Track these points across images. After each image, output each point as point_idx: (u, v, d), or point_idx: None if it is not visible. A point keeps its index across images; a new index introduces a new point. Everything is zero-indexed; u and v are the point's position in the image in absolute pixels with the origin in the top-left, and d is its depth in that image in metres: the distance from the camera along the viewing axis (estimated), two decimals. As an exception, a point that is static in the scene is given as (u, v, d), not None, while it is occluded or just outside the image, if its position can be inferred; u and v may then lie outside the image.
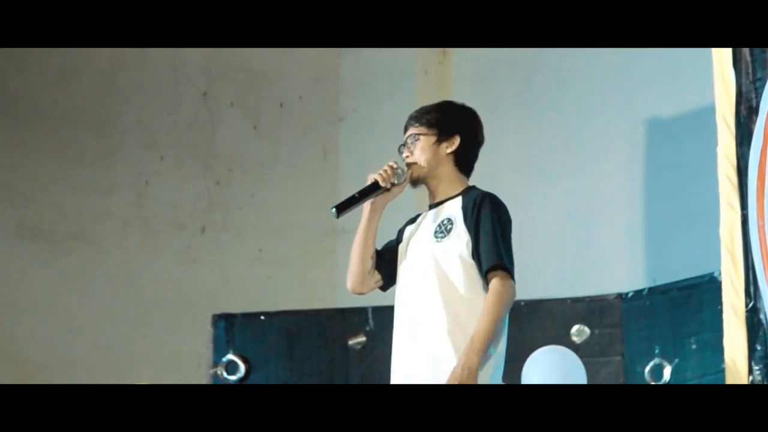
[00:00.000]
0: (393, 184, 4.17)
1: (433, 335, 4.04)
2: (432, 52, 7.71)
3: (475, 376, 3.89)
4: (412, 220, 4.29)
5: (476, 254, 4.04)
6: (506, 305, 4.00)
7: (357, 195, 4.16)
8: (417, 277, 4.12)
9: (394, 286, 4.25)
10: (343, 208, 4.13)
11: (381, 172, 4.16)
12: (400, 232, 4.30)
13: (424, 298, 4.08)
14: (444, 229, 4.12)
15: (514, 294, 4.03)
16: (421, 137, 4.21)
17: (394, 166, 4.18)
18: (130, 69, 7.48)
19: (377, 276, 4.24)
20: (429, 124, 4.23)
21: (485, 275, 4.02)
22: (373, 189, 4.16)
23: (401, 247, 4.24)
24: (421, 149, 4.21)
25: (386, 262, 4.23)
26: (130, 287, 7.32)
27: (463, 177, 4.25)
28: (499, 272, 4.01)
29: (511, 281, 4.02)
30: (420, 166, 4.20)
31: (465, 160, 4.25)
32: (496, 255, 4.01)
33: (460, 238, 4.09)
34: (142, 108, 7.52)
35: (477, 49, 6.80)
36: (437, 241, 4.10)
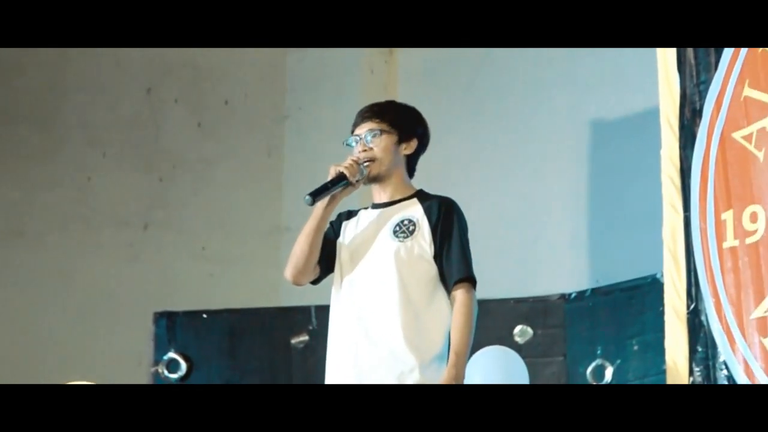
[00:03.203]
0: (357, 180, 4.16)
1: (391, 333, 4.04)
2: (378, 52, 7.70)
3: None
4: (348, 216, 4.27)
5: (442, 261, 4.11)
6: (475, 316, 4.10)
7: (329, 185, 4.13)
8: (374, 275, 4.12)
9: (326, 279, 4.26)
10: (317, 195, 4.11)
11: (347, 165, 4.14)
12: (335, 225, 4.28)
13: (382, 296, 4.08)
14: (406, 230, 4.13)
15: (475, 302, 4.13)
16: (384, 134, 4.20)
17: (358, 161, 4.16)
18: (73, 65, 7.42)
19: (317, 268, 4.23)
20: (392, 123, 4.22)
21: (453, 284, 4.10)
22: (341, 181, 4.14)
23: (343, 242, 4.23)
24: (384, 147, 4.20)
25: (326, 255, 4.22)
26: (71, 284, 7.25)
27: (409, 179, 4.27)
28: (467, 284, 4.10)
29: (474, 291, 4.12)
30: (380, 163, 4.19)
31: (414, 164, 4.28)
32: (465, 267, 4.10)
33: (425, 239, 4.12)
34: (84, 104, 7.46)
35: (423, 48, 6.79)
36: (399, 241, 4.12)
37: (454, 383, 3.96)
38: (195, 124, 7.69)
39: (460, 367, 4.01)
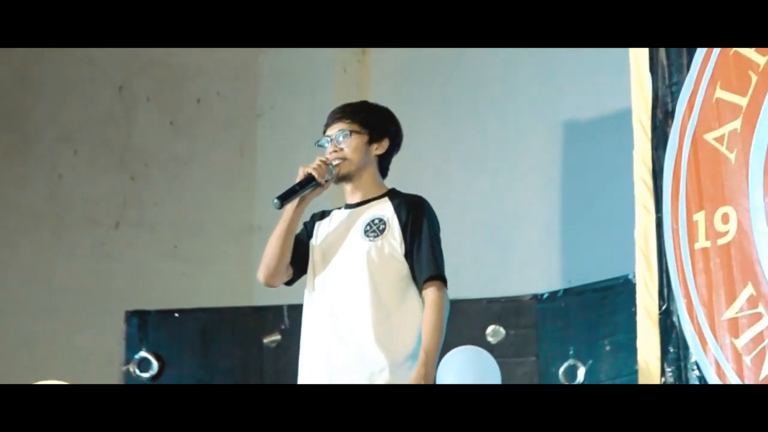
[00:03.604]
0: (326, 180, 4.16)
1: (362, 333, 4.05)
2: (351, 51, 7.70)
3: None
4: (321, 216, 4.27)
5: (413, 259, 4.11)
6: (446, 314, 4.13)
7: (297, 187, 4.13)
8: (345, 275, 4.12)
9: (299, 281, 4.26)
10: (285, 198, 4.10)
11: (315, 166, 4.14)
12: (308, 226, 4.28)
13: (353, 296, 4.08)
14: (376, 229, 4.14)
15: (447, 300, 4.15)
16: (354, 134, 4.21)
17: (326, 161, 4.16)
18: (45, 61, 7.38)
19: (290, 270, 4.23)
20: (363, 123, 4.23)
21: (423, 282, 4.11)
22: (309, 182, 4.13)
23: (315, 243, 4.23)
24: (354, 147, 4.21)
25: (298, 257, 4.22)
26: (43, 282, 7.21)
27: (381, 179, 4.27)
28: (437, 282, 4.11)
29: (446, 289, 4.14)
30: (350, 163, 4.20)
31: (387, 164, 4.29)
32: (435, 265, 4.11)
33: (395, 238, 4.14)
34: (56, 101, 7.41)
35: (396, 48, 6.79)
36: (370, 240, 4.13)
37: (423, 382, 3.95)
38: (167, 122, 7.66)
39: (430, 366, 4.02)
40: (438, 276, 4.11)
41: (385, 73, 7.63)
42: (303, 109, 7.50)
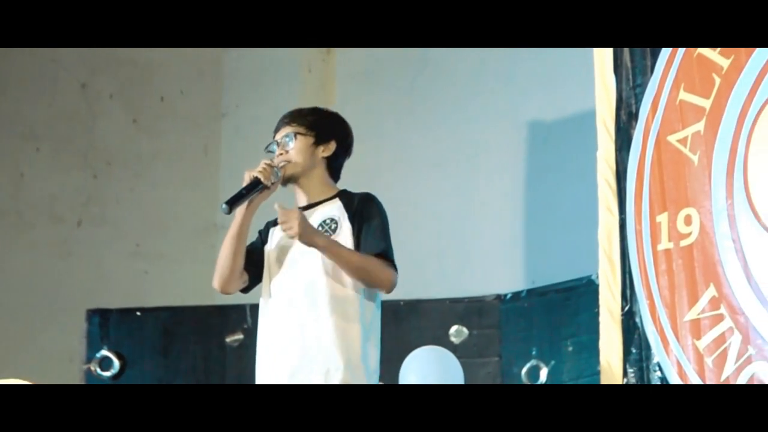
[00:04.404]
0: (273, 183, 4.17)
1: (319, 333, 4.05)
2: (316, 51, 7.69)
3: (298, 232, 3.98)
4: (275, 222, 4.28)
5: (359, 239, 4.10)
6: (376, 274, 4.07)
7: (244, 191, 4.14)
8: (300, 276, 4.12)
9: (256, 287, 4.27)
10: (233, 203, 4.11)
11: (260, 170, 4.15)
12: (263, 233, 4.30)
13: (309, 296, 4.08)
14: (329, 229, 4.15)
15: (393, 280, 4.11)
16: (299, 137, 4.24)
17: (272, 164, 4.18)
18: (7, 57, 7.32)
19: (245, 276, 4.24)
20: (309, 126, 4.26)
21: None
22: (256, 185, 4.14)
23: (270, 248, 4.23)
24: (299, 149, 4.24)
25: (253, 263, 4.24)
26: (3, 280, 7.16)
27: (332, 182, 4.28)
28: (384, 259, 4.10)
29: (393, 270, 4.10)
30: (295, 165, 4.22)
31: (336, 167, 4.32)
32: (377, 245, 4.09)
33: (347, 236, 4.14)
34: (18, 98, 7.36)
35: (362, 48, 6.78)
36: None
37: (299, 221, 3.94)
38: (130, 120, 7.63)
39: (313, 234, 4.00)
40: (382, 255, 4.09)
41: (350, 72, 7.63)
42: (268, 108, 7.46)
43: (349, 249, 4.08)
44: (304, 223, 4.01)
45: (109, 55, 7.50)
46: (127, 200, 7.51)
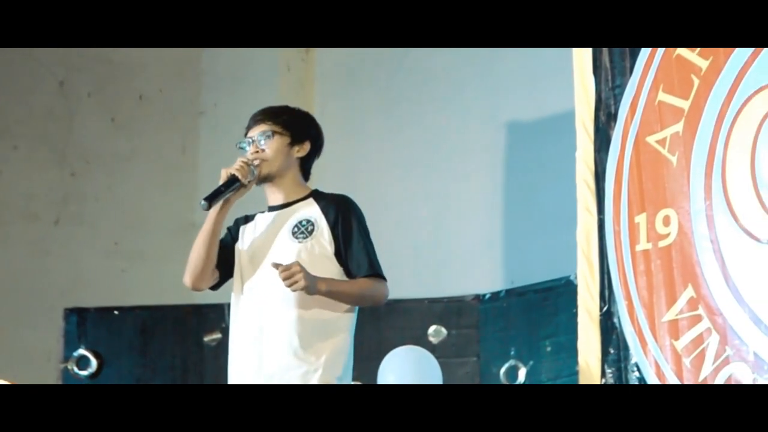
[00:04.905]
0: (249, 181, 4.16)
1: (296, 334, 4.04)
2: (295, 50, 7.67)
3: (306, 285, 3.95)
4: (246, 220, 4.27)
5: (347, 258, 4.13)
6: (373, 296, 4.15)
7: (222, 188, 4.13)
8: (275, 277, 4.10)
9: (226, 284, 4.27)
10: (212, 200, 4.10)
11: (238, 167, 4.14)
12: (233, 230, 4.29)
13: (285, 297, 4.07)
14: (305, 230, 4.14)
15: (387, 294, 4.19)
16: (276, 136, 4.22)
17: (248, 162, 4.16)
18: (-16, 55, 7.31)
19: (216, 273, 4.23)
20: (285, 125, 4.25)
21: (363, 278, 4.13)
22: (233, 183, 4.14)
23: (242, 247, 4.22)
24: (276, 148, 4.22)
25: (224, 261, 4.23)
26: (-20, 279, 7.14)
27: (304, 181, 4.28)
28: (377, 278, 4.14)
29: (385, 283, 4.16)
30: (271, 164, 4.21)
31: (308, 167, 4.31)
32: (371, 263, 4.12)
33: (324, 238, 4.13)
34: (-5, 95, 7.35)
35: (341, 47, 6.78)
36: (299, 242, 4.12)
37: (304, 282, 3.93)
38: (108, 118, 7.60)
39: (321, 282, 4.00)
40: (375, 274, 4.13)
41: (329, 72, 7.62)
42: (246, 107, 7.36)
43: (346, 282, 4.10)
44: (308, 275, 3.99)
45: (87, 53, 7.47)
46: (104, 199, 7.49)
